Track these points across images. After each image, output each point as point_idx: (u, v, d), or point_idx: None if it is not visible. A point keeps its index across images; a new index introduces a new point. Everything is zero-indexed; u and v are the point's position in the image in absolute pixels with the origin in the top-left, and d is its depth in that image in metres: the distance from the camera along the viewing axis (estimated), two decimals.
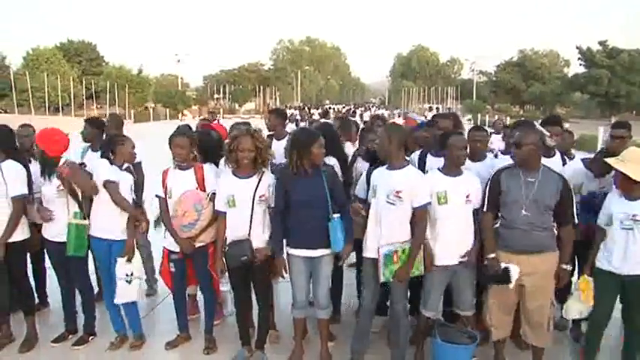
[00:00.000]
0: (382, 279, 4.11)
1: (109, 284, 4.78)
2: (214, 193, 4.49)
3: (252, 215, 4.32)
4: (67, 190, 4.61)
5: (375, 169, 4.38)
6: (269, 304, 4.59)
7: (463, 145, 4.22)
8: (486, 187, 4.23)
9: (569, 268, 4.15)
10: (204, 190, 4.55)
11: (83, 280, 4.92)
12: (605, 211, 4.25)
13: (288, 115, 23.51)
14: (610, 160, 4.17)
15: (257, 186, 4.32)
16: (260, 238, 4.37)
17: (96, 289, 5.20)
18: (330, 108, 38.95)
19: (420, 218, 4.11)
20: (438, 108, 51.24)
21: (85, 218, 4.66)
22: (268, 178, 4.40)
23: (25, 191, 4.66)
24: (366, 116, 21.06)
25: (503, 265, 4.09)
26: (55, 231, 4.72)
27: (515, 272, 4.05)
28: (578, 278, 4.41)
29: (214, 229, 4.55)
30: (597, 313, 4.28)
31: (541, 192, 4.03)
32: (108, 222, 4.67)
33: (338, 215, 4.22)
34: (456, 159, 4.22)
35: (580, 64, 65.76)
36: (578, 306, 4.30)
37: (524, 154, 4.06)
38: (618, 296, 4.27)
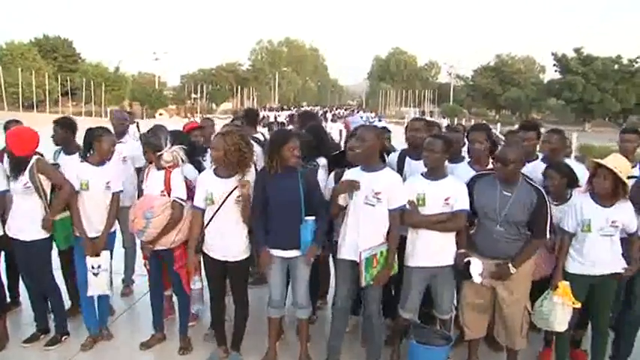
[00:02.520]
0: (363, 283, 4.11)
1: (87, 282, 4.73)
2: (180, 198, 4.44)
3: (217, 211, 4.29)
4: (35, 188, 4.50)
5: (342, 171, 4.43)
6: (246, 305, 4.57)
7: (431, 148, 4.17)
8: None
9: (512, 271, 4.08)
10: (169, 194, 4.47)
11: (48, 281, 4.79)
12: (576, 217, 4.19)
13: (260, 117, 22.78)
14: (601, 161, 4.07)
15: (234, 187, 4.28)
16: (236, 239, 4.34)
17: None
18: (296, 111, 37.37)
19: (394, 220, 4.12)
20: (431, 112, 51.01)
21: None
22: (249, 180, 4.32)
23: (6, 187, 4.58)
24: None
25: (466, 259, 4.13)
26: (17, 227, 4.58)
27: (476, 267, 4.08)
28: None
29: (179, 234, 4.48)
30: None
31: (514, 208, 4.04)
32: (89, 219, 4.65)
33: (312, 218, 4.22)
34: (424, 160, 4.23)
35: (555, 71, 66.73)
36: (566, 313, 4.19)
37: (509, 173, 4.05)
38: None
